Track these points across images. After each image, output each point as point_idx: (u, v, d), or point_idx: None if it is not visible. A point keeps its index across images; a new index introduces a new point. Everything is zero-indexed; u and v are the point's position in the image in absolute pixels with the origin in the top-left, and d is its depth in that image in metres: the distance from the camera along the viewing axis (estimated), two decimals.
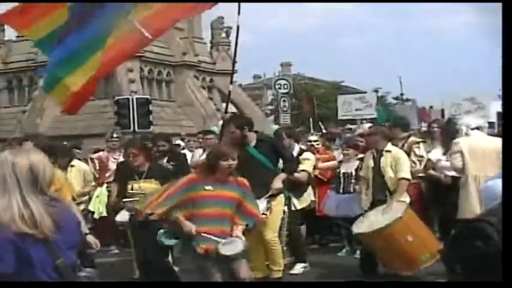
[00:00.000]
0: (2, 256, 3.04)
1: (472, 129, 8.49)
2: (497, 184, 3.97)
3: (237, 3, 7.54)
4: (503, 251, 2.98)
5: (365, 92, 53.88)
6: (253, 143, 8.08)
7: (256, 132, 8.29)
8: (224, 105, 9.67)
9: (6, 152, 3.33)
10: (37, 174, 3.24)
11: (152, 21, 6.90)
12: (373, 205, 8.66)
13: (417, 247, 7.83)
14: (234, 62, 9.02)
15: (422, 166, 9.72)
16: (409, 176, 8.65)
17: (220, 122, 13.63)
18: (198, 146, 12.91)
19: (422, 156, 9.80)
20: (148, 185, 7.95)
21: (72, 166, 10.58)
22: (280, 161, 8.34)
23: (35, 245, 3.12)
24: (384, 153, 8.71)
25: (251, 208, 6.60)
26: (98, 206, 11.48)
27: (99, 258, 8.60)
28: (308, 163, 9.96)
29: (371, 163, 8.83)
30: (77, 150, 12.71)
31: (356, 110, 21.62)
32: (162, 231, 6.64)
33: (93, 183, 11.31)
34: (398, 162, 8.61)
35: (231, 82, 9.20)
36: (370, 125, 13.32)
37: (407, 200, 8.62)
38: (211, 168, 6.47)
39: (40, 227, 3.11)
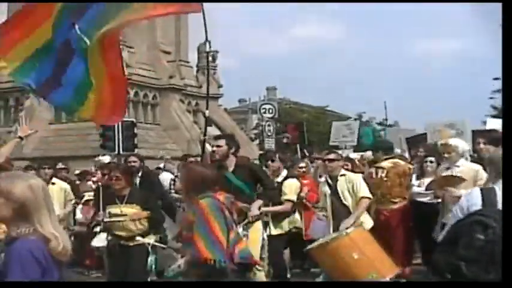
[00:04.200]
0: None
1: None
2: (477, 191, 4.10)
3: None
4: (503, 251, 3.08)
5: (350, 117, 54.35)
6: (231, 168, 8.05)
7: (235, 156, 8.29)
8: (209, 129, 9.74)
9: (22, 177, 3.35)
10: (49, 197, 3.31)
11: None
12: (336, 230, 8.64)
13: (363, 265, 7.63)
14: (208, 88, 9.08)
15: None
16: (369, 195, 8.75)
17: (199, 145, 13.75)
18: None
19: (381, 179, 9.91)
20: (130, 209, 7.98)
21: (53, 184, 10.54)
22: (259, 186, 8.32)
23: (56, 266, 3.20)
24: (339, 178, 8.82)
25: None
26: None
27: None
28: (292, 191, 10.00)
29: (327, 190, 8.91)
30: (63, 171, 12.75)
31: (343, 136, 21.78)
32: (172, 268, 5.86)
33: (74, 202, 11.32)
34: (355, 184, 8.72)
35: (207, 107, 9.27)
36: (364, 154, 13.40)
37: (370, 222, 8.74)
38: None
39: (66, 252, 3.21)
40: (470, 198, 4.10)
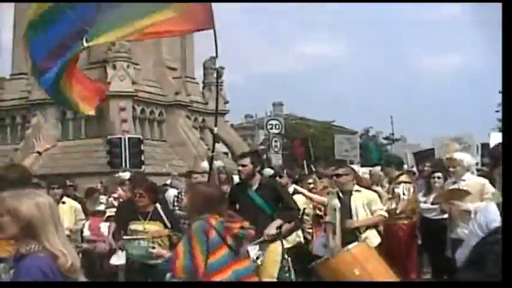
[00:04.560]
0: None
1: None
2: (493, 206, 4.05)
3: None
4: (503, 251, 3.05)
5: (356, 132, 54.31)
6: (255, 186, 7.96)
7: (261, 174, 8.18)
8: (216, 145, 9.72)
9: (30, 195, 3.35)
10: (57, 214, 3.33)
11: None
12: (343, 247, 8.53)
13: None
14: (217, 105, 9.03)
15: (397, 205, 9.69)
16: (385, 214, 8.72)
17: (204, 163, 13.68)
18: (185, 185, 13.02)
19: (399, 196, 9.81)
20: (153, 227, 7.87)
21: (63, 203, 10.55)
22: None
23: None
24: (353, 193, 8.75)
25: None
26: None
27: None
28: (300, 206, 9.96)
29: (337, 204, 8.78)
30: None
31: (345, 150, 21.81)
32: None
33: (84, 221, 11.31)
34: (373, 202, 8.67)
35: (215, 124, 9.22)
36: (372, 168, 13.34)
37: (377, 239, 8.67)
38: None
39: (75, 269, 3.23)
40: (488, 215, 4.04)
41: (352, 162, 19.38)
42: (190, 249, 5.39)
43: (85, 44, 7.12)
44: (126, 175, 12.42)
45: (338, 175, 8.93)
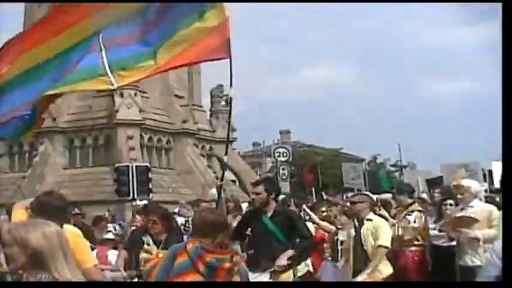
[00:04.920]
0: None
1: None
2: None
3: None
4: (503, 251, 3.02)
5: (364, 159, 54.24)
6: (270, 213, 7.81)
7: (276, 201, 8.12)
8: (225, 173, 9.69)
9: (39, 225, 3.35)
10: (65, 243, 3.32)
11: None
12: (354, 275, 8.40)
13: None
14: (228, 134, 9.02)
15: (405, 233, 9.64)
16: (387, 244, 8.58)
17: (212, 191, 13.64)
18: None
19: (409, 223, 9.75)
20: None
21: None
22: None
23: None
24: (365, 221, 8.68)
25: None
26: None
27: None
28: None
29: (352, 232, 8.73)
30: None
31: (352, 179, 21.83)
32: None
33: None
34: (379, 230, 8.57)
35: (226, 153, 9.19)
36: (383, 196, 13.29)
37: (388, 269, 8.57)
38: None
39: None
40: None
41: (359, 190, 19.38)
42: (153, 268, 5.43)
43: (115, 85, 7.17)
44: (143, 203, 12.39)
45: (353, 203, 8.90)
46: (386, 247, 8.50)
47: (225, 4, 6.97)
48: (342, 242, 10.17)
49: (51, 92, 7.27)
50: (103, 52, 7.08)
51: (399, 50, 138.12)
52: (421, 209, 10.16)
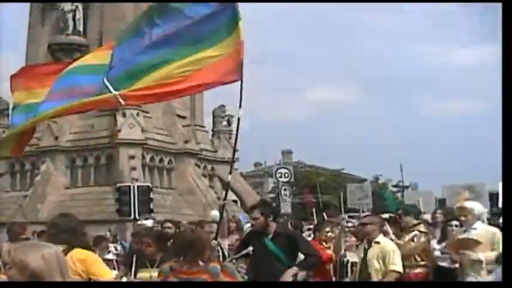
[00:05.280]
0: None
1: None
2: None
3: (238, 94, 7.57)
4: (503, 251, 3.01)
5: (365, 180, 54.19)
6: (271, 234, 7.78)
7: (276, 223, 8.10)
8: (224, 193, 9.68)
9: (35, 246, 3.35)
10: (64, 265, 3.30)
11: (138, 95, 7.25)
12: None
13: None
14: (234, 154, 8.99)
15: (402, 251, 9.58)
16: (400, 269, 8.46)
17: (213, 212, 13.59)
18: None
19: (408, 241, 9.69)
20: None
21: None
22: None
23: None
24: (372, 244, 8.60)
25: None
26: None
27: None
28: None
29: (361, 255, 8.67)
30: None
31: (358, 199, 21.73)
32: None
33: None
34: (389, 255, 8.45)
35: (230, 172, 9.16)
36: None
37: None
38: None
39: None
40: None
41: (363, 211, 19.30)
42: None
43: (121, 101, 7.24)
44: (149, 222, 12.36)
45: (363, 224, 8.84)
46: (399, 272, 8.41)
47: (242, 27, 6.94)
48: (352, 264, 10.07)
49: (53, 110, 7.35)
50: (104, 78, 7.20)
51: (401, 70, 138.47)
52: (423, 230, 10.11)
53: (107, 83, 7.15)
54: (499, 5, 4.03)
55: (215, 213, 12.35)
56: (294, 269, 7.65)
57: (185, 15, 7.24)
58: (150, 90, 7.25)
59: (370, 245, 8.56)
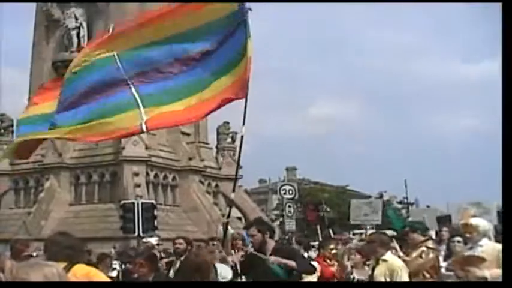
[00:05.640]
0: None
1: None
2: None
3: (242, 111, 7.55)
4: (503, 251, 2.99)
5: (370, 196, 54.02)
6: (269, 252, 7.76)
7: (276, 241, 8.09)
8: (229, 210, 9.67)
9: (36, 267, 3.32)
10: None
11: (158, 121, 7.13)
12: None
13: None
14: (237, 171, 8.94)
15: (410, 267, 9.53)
16: None
17: (220, 228, 13.57)
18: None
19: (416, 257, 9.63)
20: None
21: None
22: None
23: None
24: (379, 261, 8.53)
25: None
26: None
27: None
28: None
29: (369, 272, 8.66)
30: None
31: (364, 215, 21.57)
32: None
33: None
34: (396, 272, 8.38)
35: (234, 190, 9.16)
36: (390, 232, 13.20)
37: None
38: None
39: None
40: None
41: (366, 228, 19.21)
42: None
43: (144, 129, 7.11)
44: (154, 240, 12.34)
45: (370, 241, 8.79)
46: None
47: (250, 44, 6.87)
48: (358, 281, 10.00)
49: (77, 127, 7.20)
50: (133, 89, 7.05)
51: (405, 86, 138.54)
52: (431, 246, 10.05)
53: (135, 93, 7.01)
54: (500, 6, 4.01)
55: (221, 230, 12.31)
56: (292, 263, 7.68)
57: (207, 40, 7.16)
58: (171, 116, 7.16)
59: (377, 263, 8.49)
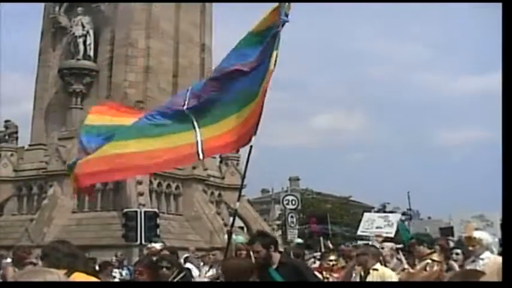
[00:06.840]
0: None
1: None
2: None
3: None
4: (503, 250, 2.98)
5: (373, 208, 53.90)
6: (275, 265, 7.69)
7: (280, 252, 8.07)
8: (231, 219, 9.64)
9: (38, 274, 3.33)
10: None
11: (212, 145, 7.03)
12: None
13: None
14: (242, 182, 8.93)
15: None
16: None
17: (226, 236, 13.58)
18: (206, 262, 12.87)
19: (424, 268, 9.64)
20: None
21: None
22: None
23: None
24: (370, 271, 8.58)
25: None
26: None
27: None
28: None
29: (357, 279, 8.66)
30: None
31: (376, 227, 21.54)
32: None
33: None
34: (388, 280, 8.45)
35: (239, 199, 9.15)
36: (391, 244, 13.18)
37: None
38: None
39: None
40: None
41: (368, 239, 19.17)
42: None
43: (201, 157, 7.03)
44: (158, 245, 12.35)
45: (361, 254, 8.84)
46: None
47: (274, 56, 6.63)
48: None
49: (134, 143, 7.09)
50: (184, 107, 6.99)
51: (409, 98, 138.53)
52: (437, 258, 10.05)
53: (188, 112, 6.95)
54: (499, 5, 4.02)
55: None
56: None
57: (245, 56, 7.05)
58: (220, 140, 7.10)
59: (367, 273, 8.56)
